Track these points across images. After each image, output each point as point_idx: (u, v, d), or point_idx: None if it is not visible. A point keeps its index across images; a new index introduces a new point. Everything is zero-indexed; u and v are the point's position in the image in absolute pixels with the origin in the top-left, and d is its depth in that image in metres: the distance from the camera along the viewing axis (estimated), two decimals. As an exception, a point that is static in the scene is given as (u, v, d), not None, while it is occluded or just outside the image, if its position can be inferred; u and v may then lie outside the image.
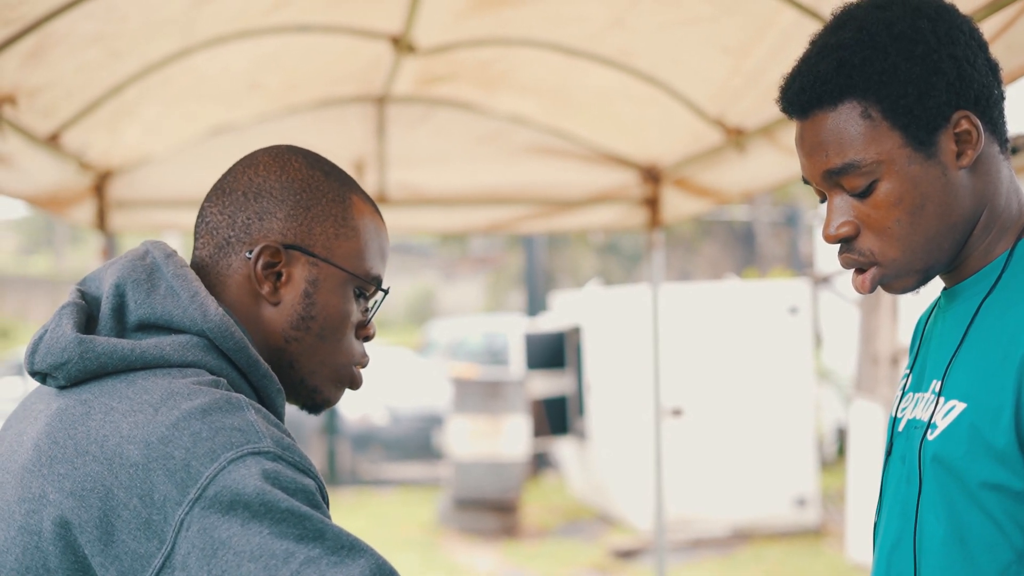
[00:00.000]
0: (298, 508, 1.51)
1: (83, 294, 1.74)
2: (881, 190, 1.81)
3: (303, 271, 1.78)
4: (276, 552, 1.47)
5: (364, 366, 1.88)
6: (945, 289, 1.95)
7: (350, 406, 17.50)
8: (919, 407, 1.90)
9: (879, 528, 1.98)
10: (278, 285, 1.77)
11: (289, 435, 1.64)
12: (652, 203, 5.77)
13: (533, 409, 13.93)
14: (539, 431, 14.15)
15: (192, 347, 1.66)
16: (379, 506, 15.12)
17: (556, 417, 14.23)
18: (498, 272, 37.67)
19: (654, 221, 5.80)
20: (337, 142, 5.54)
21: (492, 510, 12.90)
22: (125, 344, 1.63)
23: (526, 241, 19.35)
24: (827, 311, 16.38)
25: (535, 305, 18.51)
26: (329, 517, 1.58)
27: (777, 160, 4.46)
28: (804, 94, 1.83)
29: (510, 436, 12.97)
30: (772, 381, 12.13)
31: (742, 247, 32.61)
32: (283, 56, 4.82)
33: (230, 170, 1.84)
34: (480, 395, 13.06)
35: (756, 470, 12.04)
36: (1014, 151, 5.26)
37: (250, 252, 1.76)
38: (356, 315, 1.84)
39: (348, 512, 14.69)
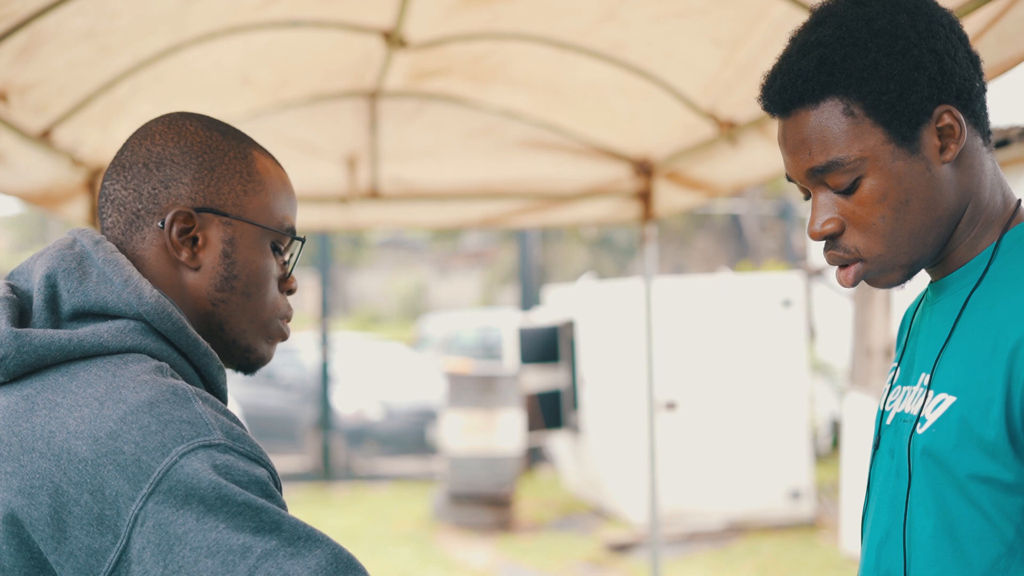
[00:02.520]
0: (253, 500, 1.50)
1: (13, 288, 1.72)
2: (865, 187, 1.80)
3: (218, 232, 1.77)
4: (233, 547, 1.47)
5: (289, 319, 1.88)
6: (932, 282, 1.94)
7: (344, 402, 17.50)
8: (908, 400, 1.90)
9: (867, 521, 1.98)
10: (195, 250, 1.76)
11: (238, 422, 1.63)
12: (645, 197, 5.78)
13: (527, 403, 13.93)
14: (533, 425, 14.16)
15: (130, 331, 1.64)
16: (374, 501, 15.12)
17: (550, 411, 14.23)
18: (492, 267, 37.67)
19: (647, 215, 5.80)
20: (329, 137, 5.54)
21: (487, 504, 12.90)
22: (62, 335, 1.62)
23: (519, 235, 19.34)
24: (820, 304, 16.39)
25: (528, 299, 18.51)
26: (284, 505, 1.58)
27: (769, 153, 4.46)
28: (785, 92, 1.83)
29: (504, 430, 12.97)
30: (766, 374, 12.13)
31: (735, 240, 32.61)
32: (275, 51, 4.81)
33: (126, 144, 1.81)
34: (474, 389, 13.06)
35: (750, 463, 12.05)
36: (1007, 143, 5.27)
37: (162, 222, 1.75)
38: (276, 269, 1.84)
39: (343, 507, 14.69)
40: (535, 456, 16.42)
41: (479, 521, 12.83)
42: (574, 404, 14.04)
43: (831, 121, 1.80)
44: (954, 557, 1.77)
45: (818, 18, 1.85)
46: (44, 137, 4.36)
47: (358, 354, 20.04)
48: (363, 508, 14.57)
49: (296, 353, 18.88)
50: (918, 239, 1.83)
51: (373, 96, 5.47)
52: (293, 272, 1.89)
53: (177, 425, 1.53)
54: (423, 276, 39.70)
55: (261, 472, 1.57)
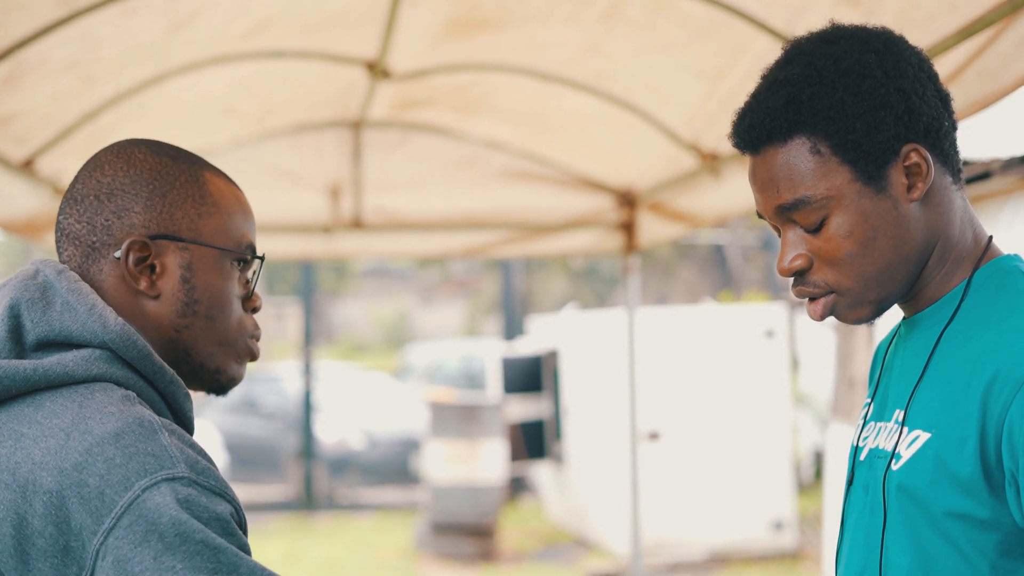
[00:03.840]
0: (212, 540, 1.50)
1: None
2: (832, 224, 1.81)
3: (175, 258, 1.75)
4: None
5: (257, 338, 1.86)
6: (905, 318, 1.95)
7: (327, 430, 17.45)
8: (881, 436, 1.90)
9: (841, 557, 1.98)
10: (154, 278, 1.75)
11: (204, 454, 1.62)
12: (628, 227, 5.79)
13: (510, 433, 13.91)
14: (516, 455, 14.13)
15: (95, 360, 1.63)
16: (356, 530, 15.07)
17: (533, 441, 14.20)
18: (475, 296, 37.65)
19: (630, 245, 5.81)
20: (313, 167, 5.55)
21: (469, 534, 12.86)
22: (27, 365, 1.61)
23: (503, 265, 19.34)
24: (803, 335, 16.41)
25: (512, 329, 18.50)
26: (246, 544, 1.57)
27: (752, 185, 4.47)
28: (754, 130, 1.84)
29: (487, 460, 12.94)
30: (749, 405, 12.13)
31: (718, 271, 32.66)
32: (259, 81, 4.82)
33: (76, 177, 1.80)
34: (457, 419, 13.04)
35: (733, 494, 12.03)
36: (988, 175, 5.29)
37: (118, 252, 1.73)
38: (238, 289, 1.82)
39: (325, 536, 14.63)
40: (518, 486, 16.38)
41: (462, 551, 12.79)
42: (557, 434, 14.02)
43: (798, 159, 1.80)
44: (929, 593, 1.77)
45: (788, 56, 1.86)
46: (27, 166, 4.35)
47: (341, 383, 19.99)
48: (345, 538, 14.51)
49: (279, 382, 18.83)
50: (886, 276, 1.83)
51: (357, 126, 5.47)
52: (256, 290, 1.87)
53: (141, 458, 1.52)
54: (407, 305, 39.65)
55: (223, 508, 1.55)
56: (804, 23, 3.30)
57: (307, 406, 16.67)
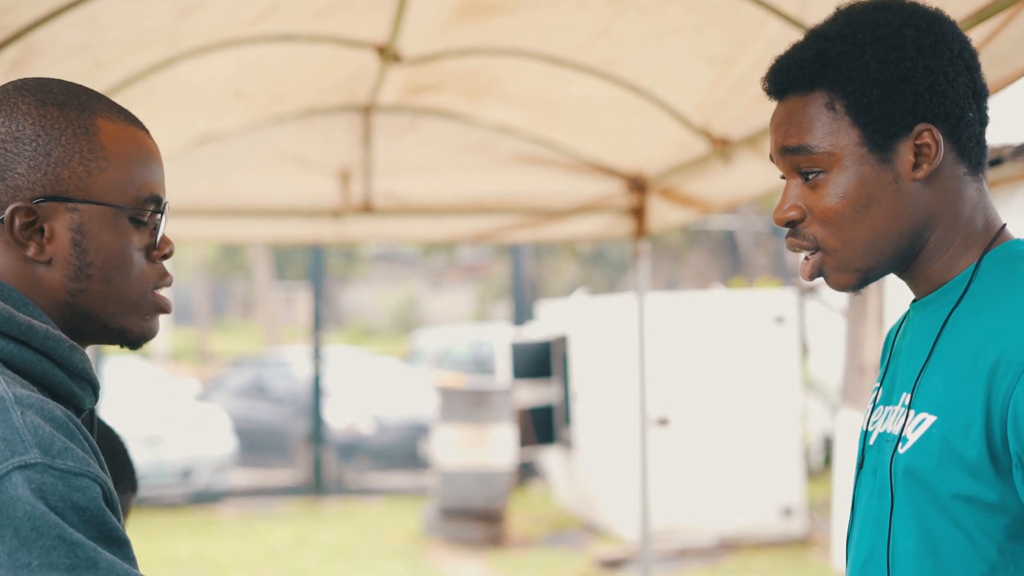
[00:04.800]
0: (70, 535, 1.43)
1: None
2: (830, 182, 1.83)
3: (64, 219, 1.63)
4: None
5: (166, 286, 1.74)
6: (913, 301, 1.95)
7: (336, 415, 17.48)
8: (889, 420, 1.90)
9: (851, 541, 1.98)
10: (43, 242, 1.63)
11: (65, 427, 1.52)
12: (638, 213, 5.77)
13: (519, 418, 13.91)
14: (525, 440, 14.13)
15: None
16: (365, 515, 15.09)
17: (542, 426, 14.21)
18: (485, 281, 37.66)
19: (640, 231, 5.80)
20: (323, 151, 5.54)
21: (478, 519, 12.87)
22: None
23: (512, 250, 19.33)
24: (813, 321, 16.39)
25: (521, 314, 18.49)
26: (114, 524, 1.50)
27: (762, 170, 4.46)
28: (779, 75, 1.88)
29: (496, 445, 12.95)
30: (758, 391, 12.12)
31: (728, 257, 32.63)
32: (268, 65, 4.81)
33: None
34: (466, 404, 13.04)
35: (742, 480, 12.03)
36: (1000, 162, 5.27)
37: (2, 217, 1.62)
38: (139, 243, 1.69)
39: (334, 521, 14.66)
40: (527, 471, 16.39)
41: (470, 536, 12.81)
42: (566, 419, 14.02)
43: (813, 110, 1.83)
44: (937, 577, 1.77)
45: (836, 14, 1.88)
46: (36, 150, 4.35)
47: (350, 368, 20.01)
48: (354, 522, 14.54)
49: (288, 366, 18.85)
50: (875, 247, 1.84)
51: (367, 111, 5.46)
52: (164, 234, 1.73)
53: None
54: (416, 290, 39.69)
55: (82, 495, 1.46)
56: (816, 7, 3.28)
57: (316, 391, 16.69)
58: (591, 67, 4.69)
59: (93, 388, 1.67)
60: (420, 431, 17.26)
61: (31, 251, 1.63)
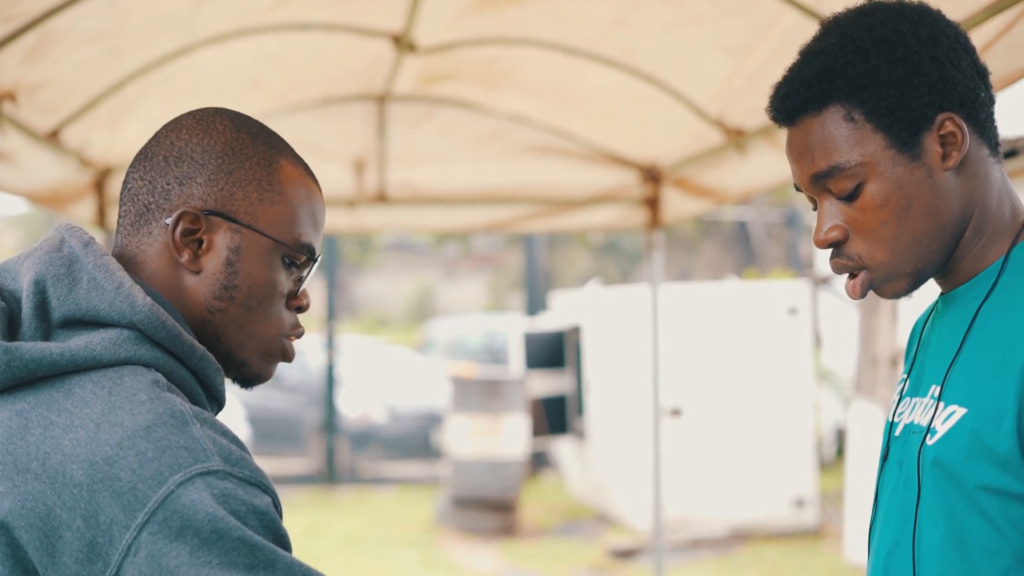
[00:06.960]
0: (249, 537, 1.47)
1: (0, 290, 1.66)
2: (867, 192, 1.82)
3: (225, 238, 1.69)
4: None
5: (298, 337, 1.80)
6: (942, 294, 1.95)
7: (350, 405, 17.51)
8: (917, 411, 1.90)
9: (875, 532, 1.98)
10: (199, 253, 1.68)
11: (238, 442, 1.58)
12: (652, 203, 5.77)
13: (532, 408, 13.93)
14: (538, 430, 14.15)
15: (123, 342, 1.58)
16: (378, 504, 15.12)
17: (555, 416, 14.22)
18: (498, 271, 37.66)
19: (654, 221, 5.80)
20: (338, 140, 5.55)
21: (491, 509, 12.89)
22: (54, 349, 1.56)
23: (526, 240, 19.34)
24: (826, 312, 16.38)
25: (535, 304, 18.50)
26: (285, 532, 1.55)
27: (777, 161, 4.46)
28: (789, 100, 1.85)
29: (509, 435, 12.97)
30: (771, 382, 12.12)
31: (742, 248, 32.60)
32: (284, 54, 4.81)
33: (156, 134, 1.75)
34: (479, 394, 13.06)
35: (755, 471, 12.04)
36: (1015, 153, 5.27)
37: (169, 219, 1.67)
38: (285, 285, 1.75)
39: (347, 510, 14.69)
40: (540, 461, 16.41)
41: (483, 526, 12.83)
42: (579, 409, 14.03)
43: (833, 127, 1.81)
44: (963, 568, 1.77)
45: (825, 29, 1.88)
46: (52, 137, 4.36)
47: (364, 357, 20.04)
48: (367, 511, 14.57)
49: (302, 355, 18.85)
50: (921, 246, 1.83)
51: (382, 100, 5.47)
52: (305, 288, 1.80)
53: (174, 452, 1.48)
54: (430, 280, 39.70)
55: (260, 501, 1.52)
56: (832, -2, 3.28)
57: (330, 380, 16.72)
58: (607, 57, 4.69)
59: (218, 408, 1.73)
60: (433, 421, 17.29)
61: (184, 257, 1.68)
